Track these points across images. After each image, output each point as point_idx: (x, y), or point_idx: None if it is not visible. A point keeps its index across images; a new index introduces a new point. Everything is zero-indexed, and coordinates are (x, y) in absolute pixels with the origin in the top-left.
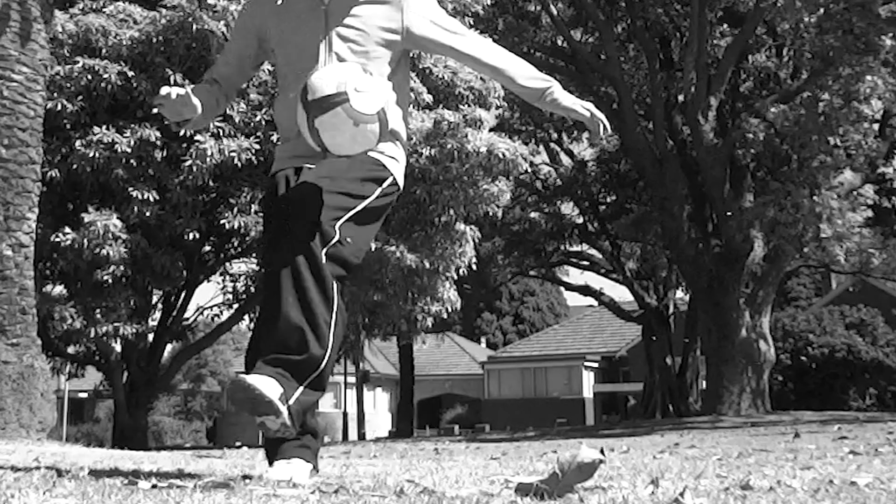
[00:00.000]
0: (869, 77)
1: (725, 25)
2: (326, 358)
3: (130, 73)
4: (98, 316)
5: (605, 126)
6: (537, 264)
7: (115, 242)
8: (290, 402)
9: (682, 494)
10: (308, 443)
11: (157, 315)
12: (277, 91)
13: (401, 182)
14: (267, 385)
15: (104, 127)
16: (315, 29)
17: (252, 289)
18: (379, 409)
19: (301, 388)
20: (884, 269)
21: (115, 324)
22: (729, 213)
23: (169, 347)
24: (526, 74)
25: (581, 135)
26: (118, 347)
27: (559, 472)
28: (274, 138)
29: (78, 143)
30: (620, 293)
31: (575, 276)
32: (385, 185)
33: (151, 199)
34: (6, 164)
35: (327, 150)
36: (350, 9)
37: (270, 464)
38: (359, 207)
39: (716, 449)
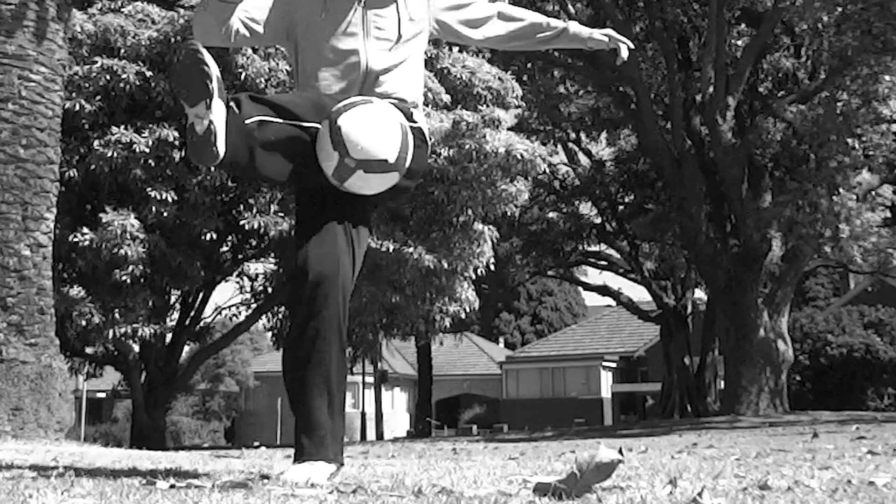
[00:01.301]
0: (887, 77)
1: (743, 25)
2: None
3: (148, 73)
4: (117, 316)
5: (627, 45)
6: (555, 264)
7: (133, 242)
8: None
9: (700, 494)
10: (331, 441)
11: (176, 315)
12: (295, 82)
13: (428, 138)
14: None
15: (122, 127)
16: (352, 23)
17: (269, 289)
18: (397, 409)
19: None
20: None
21: (134, 324)
22: (747, 213)
23: (187, 348)
24: (539, 27)
25: (599, 135)
26: (136, 347)
27: (577, 472)
28: None
29: (96, 143)
30: (639, 293)
31: (593, 276)
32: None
33: (170, 199)
34: (24, 164)
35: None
36: (386, 2)
37: (294, 462)
38: None
39: (734, 449)
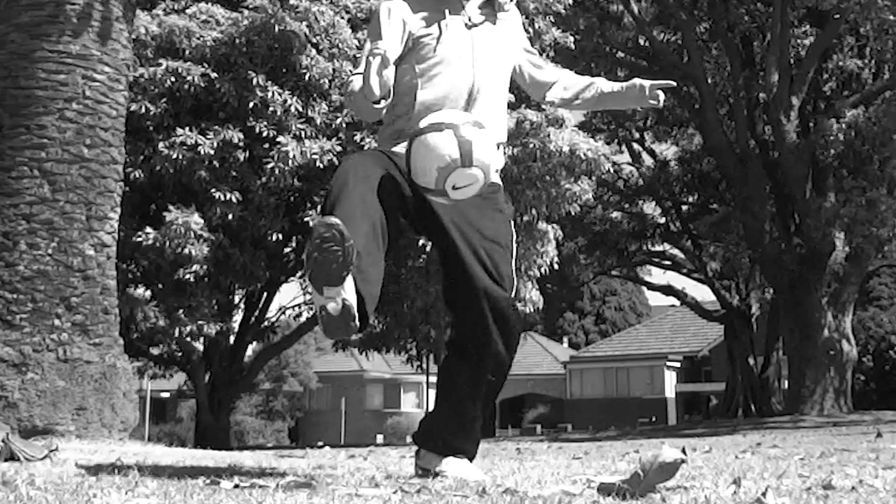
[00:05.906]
0: None
1: (808, 25)
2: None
3: (213, 75)
4: (181, 315)
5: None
6: (619, 264)
7: (196, 241)
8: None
9: (764, 494)
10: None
11: (239, 315)
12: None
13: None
14: None
15: (187, 128)
16: (463, 48)
17: None
18: None
19: None
20: None
21: (200, 322)
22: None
23: (250, 348)
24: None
25: (663, 135)
26: (201, 347)
27: (641, 472)
28: (357, 138)
29: (161, 144)
30: (702, 293)
31: (657, 275)
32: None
33: (234, 200)
34: (88, 164)
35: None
36: (493, 30)
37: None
38: None
39: (798, 449)
